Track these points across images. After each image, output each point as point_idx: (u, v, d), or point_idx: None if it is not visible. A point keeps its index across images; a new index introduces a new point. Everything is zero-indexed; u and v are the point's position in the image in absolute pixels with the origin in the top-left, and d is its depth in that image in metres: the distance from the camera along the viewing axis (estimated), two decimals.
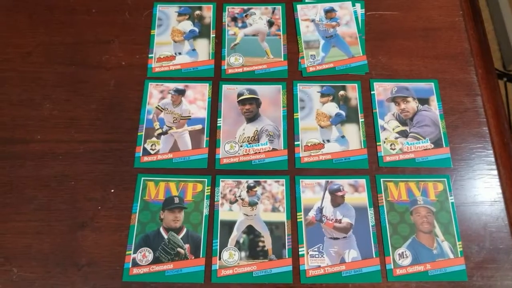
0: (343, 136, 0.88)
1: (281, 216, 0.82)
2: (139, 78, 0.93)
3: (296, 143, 0.87)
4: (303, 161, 0.86)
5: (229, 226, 0.81)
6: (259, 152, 0.86)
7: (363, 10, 1.01)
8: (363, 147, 0.87)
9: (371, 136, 0.88)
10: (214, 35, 0.98)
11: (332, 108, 0.91)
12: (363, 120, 0.89)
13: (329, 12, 1.01)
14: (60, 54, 0.96)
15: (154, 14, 1.00)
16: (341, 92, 0.92)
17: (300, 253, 0.79)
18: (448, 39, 0.98)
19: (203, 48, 0.97)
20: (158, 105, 0.91)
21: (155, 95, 0.92)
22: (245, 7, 1.01)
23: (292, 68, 0.95)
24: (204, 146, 0.87)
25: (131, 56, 0.95)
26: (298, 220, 0.81)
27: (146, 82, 0.93)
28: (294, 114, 0.90)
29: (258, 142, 0.87)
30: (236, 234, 0.80)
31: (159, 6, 1.01)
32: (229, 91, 0.92)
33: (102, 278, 0.77)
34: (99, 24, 0.99)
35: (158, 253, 0.79)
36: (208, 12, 1.01)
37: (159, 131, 0.89)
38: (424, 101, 0.91)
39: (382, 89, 0.92)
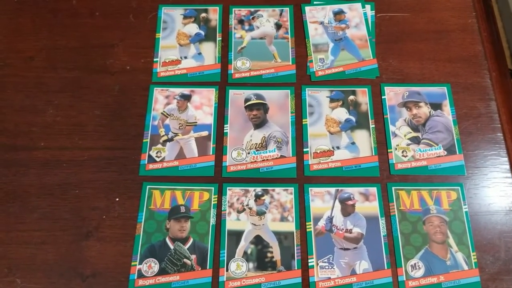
0: (353, 143, 0.86)
1: (290, 226, 0.80)
2: (144, 83, 0.91)
3: (305, 150, 0.85)
4: (312, 168, 0.84)
5: (236, 236, 0.79)
6: (267, 160, 0.84)
7: (373, 12, 0.98)
8: (374, 154, 0.85)
9: (382, 143, 0.86)
10: (220, 38, 0.96)
11: (341, 114, 0.88)
12: (373, 126, 0.87)
13: (338, 14, 0.98)
14: (63, 59, 0.94)
15: (159, 17, 0.98)
16: (351, 97, 0.90)
17: (309, 264, 0.77)
18: (461, 42, 0.95)
19: (209, 52, 0.94)
20: (164, 111, 0.89)
21: (161, 100, 0.90)
22: (252, 9, 0.99)
23: (301, 72, 0.93)
24: (211, 153, 0.85)
25: (135, 60, 0.93)
26: (307, 230, 0.79)
27: (151, 87, 0.91)
28: (303, 120, 0.88)
29: (266, 149, 0.85)
30: (244, 244, 0.78)
31: (164, 8, 0.99)
32: (236, 96, 0.90)
33: None
34: (103, 28, 0.97)
35: (164, 264, 0.77)
36: (214, 14, 0.98)
37: (165, 137, 0.87)
38: (436, 106, 0.89)
39: (393, 94, 0.90)
